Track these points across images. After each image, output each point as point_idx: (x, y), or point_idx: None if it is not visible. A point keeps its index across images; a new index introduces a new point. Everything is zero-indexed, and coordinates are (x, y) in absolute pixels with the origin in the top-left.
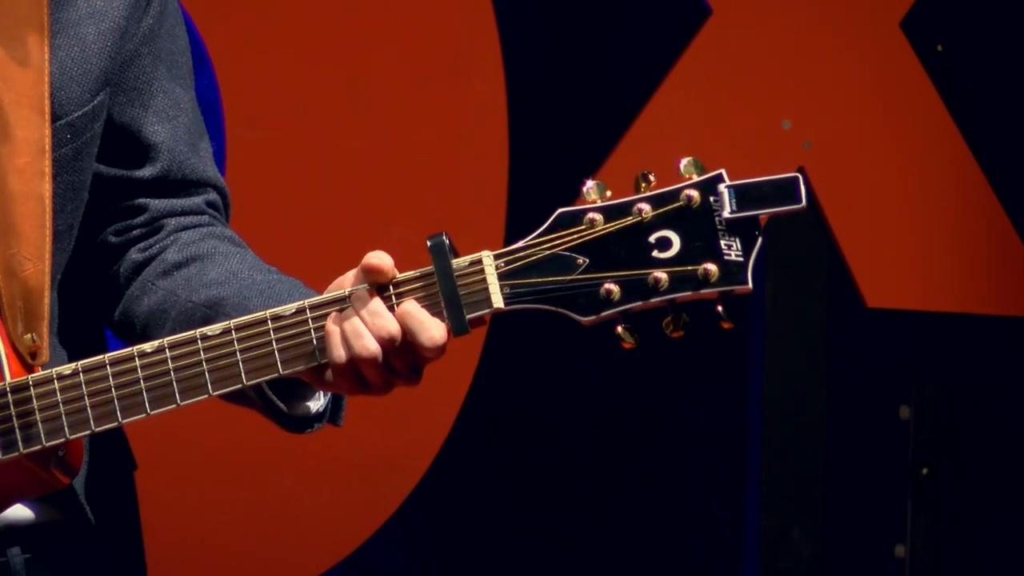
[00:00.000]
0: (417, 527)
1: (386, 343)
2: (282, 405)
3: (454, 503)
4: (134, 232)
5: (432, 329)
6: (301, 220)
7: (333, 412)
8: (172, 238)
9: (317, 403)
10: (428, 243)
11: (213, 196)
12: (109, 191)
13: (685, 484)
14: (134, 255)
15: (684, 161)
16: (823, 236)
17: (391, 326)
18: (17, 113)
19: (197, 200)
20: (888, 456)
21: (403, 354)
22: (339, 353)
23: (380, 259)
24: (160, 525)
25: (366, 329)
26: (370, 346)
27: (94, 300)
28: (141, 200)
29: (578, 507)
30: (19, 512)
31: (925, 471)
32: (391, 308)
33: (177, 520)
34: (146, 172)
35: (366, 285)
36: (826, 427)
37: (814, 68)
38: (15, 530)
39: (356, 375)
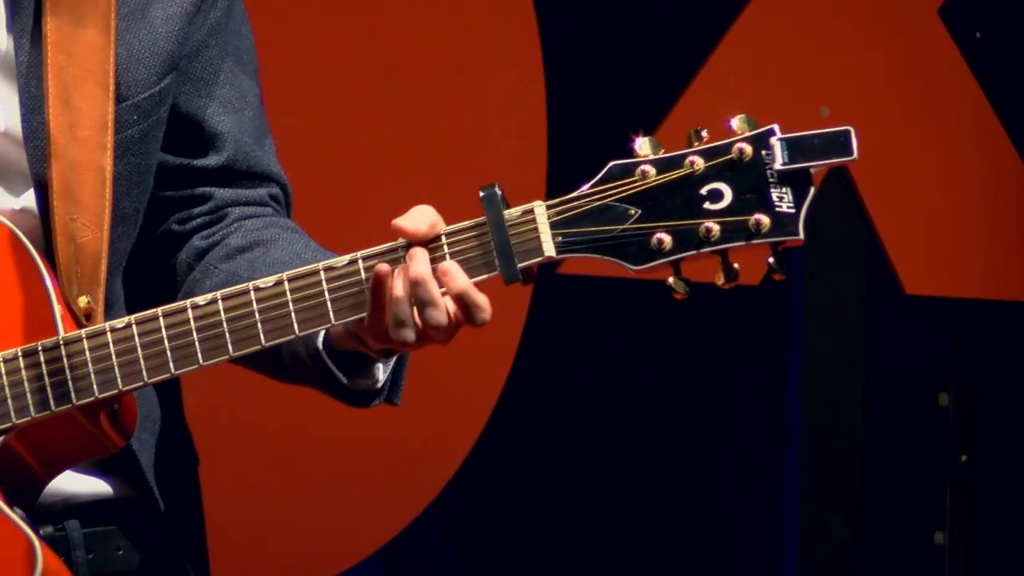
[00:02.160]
0: (456, 514)
1: (432, 329)
2: (342, 376)
3: (493, 490)
4: (198, 220)
5: (485, 311)
6: (340, 208)
7: (391, 390)
8: (236, 225)
9: (379, 377)
10: (481, 193)
11: (276, 191)
12: (174, 180)
13: (724, 472)
14: (197, 242)
15: (736, 119)
16: (862, 223)
17: (441, 317)
18: (81, 88)
19: (262, 192)
20: (927, 443)
21: (448, 331)
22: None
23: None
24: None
25: (408, 315)
26: (408, 336)
27: (157, 287)
28: (206, 189)
29: (616, 493)
30: (78, 485)
31: (964, 458)
32: (440, 257)
33: (218, 508)
34: (211, 161)
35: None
36: (865, 415)
37: (853, 55)
38: (74, 505)
39: (385, 329)
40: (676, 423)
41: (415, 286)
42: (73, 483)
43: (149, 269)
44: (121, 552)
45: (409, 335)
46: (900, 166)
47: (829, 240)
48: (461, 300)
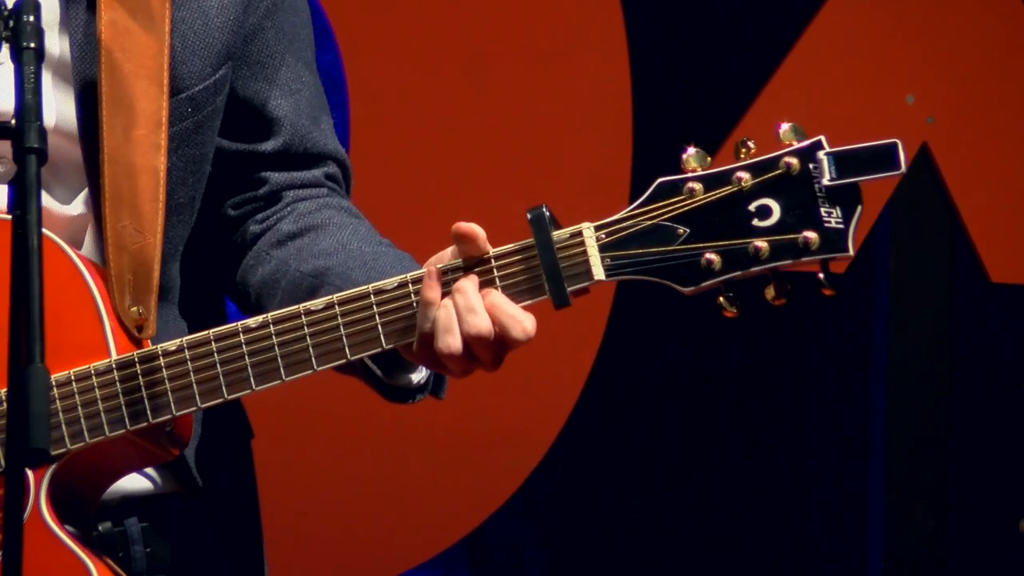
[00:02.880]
0: (541, 502)
1: (474, 340)
2: (383, 376)
3: (577, 478)
4: (253, 204)
5: (525, 321)
6: (422, 193)
7: (436, 385)
8: (289, 209)
9: (419, 375)
10: (528, 215)
11: (333, 169)
12: (231, 165)
13: (808, 459)
14: (252, 227)
15: (784, 127)
16: (947, 211)
17: (483, 325)
18: (136, 85)
19: (317, 173)
20: (1011, 431)
21: (490, 347)
22: (438, 343)
23: (469, 227)
24: (280, 498)
25: (455, 326)
26: (453, 343)
27: (214, 272)
28: (262, 173)
29: (700, 480)
30: (136, 483)
31: None
32: (490, 281)
33: (297, 493)
34: (268, 146)
35: (463, 259)
36: (949, 402)
37: (938, 43)
38: (132, 500)
39: (435, 359)
40: (760, 411)
41: (457, 294)
42: (130, 479)
43: (205, 254)
44: (177, 544)
45: (454, 341)
46: (985, 154)
47: (914, 228)
48: (496, 313)
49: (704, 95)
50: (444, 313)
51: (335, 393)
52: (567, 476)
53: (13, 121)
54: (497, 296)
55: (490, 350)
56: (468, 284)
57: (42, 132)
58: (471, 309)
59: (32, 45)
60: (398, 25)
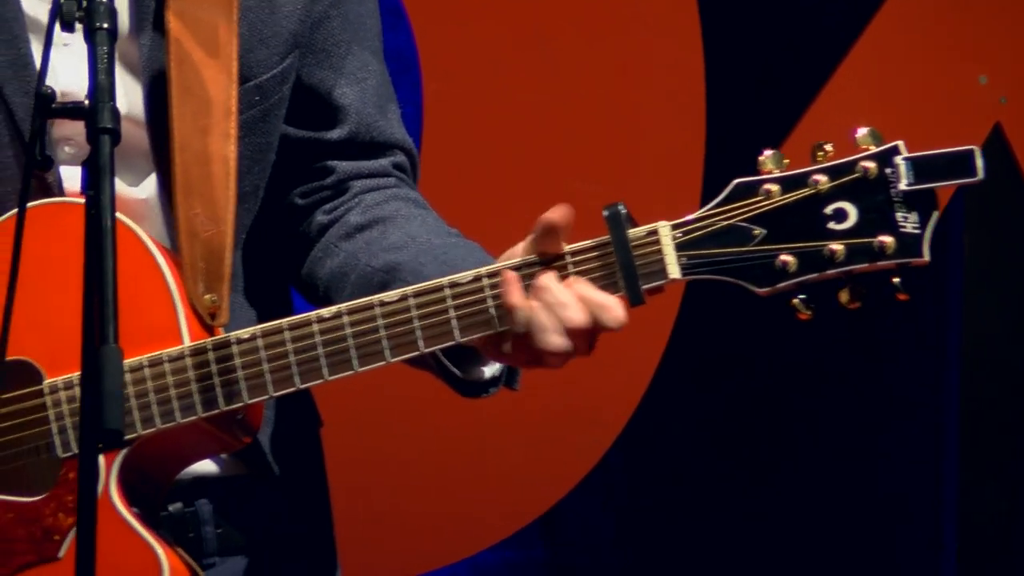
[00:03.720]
0: (616, 482)
1: (574, 333)
2: (456, 370)
3: (652, 458)
4: (321, 194)
5: (615, 309)
6: (493, 177)
7: (509, 376)
8: (357, 200)
9: (492, 368)
10: (604, 213)
11: (400, 158)
12: (297, 153)
13: (883, 441)
14: (319, 217)
15: (861, 131)
16: (1021, 191)
17: (579, 317)
18: (205, 73)
19: (384, 162)
20: None
21: (586, 337)
22: (537, 341)
23: (559, 217)
24: (350, 482)
25: (555, 323)
26: (557, 341)
27: (280, 260)
28: (328, 162)
29: (775, 461)
30: (207, 464)
31: None
32: (565, 276)
33: (374, 475)
34: (334, 134)
35: (538, 253)
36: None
37: (1011, 22)
38: (203, 481)
39: (536, 359)
40: (835, 391)
41: (545, 292)
42: (201, 462)
43: (271, 242)
44: (248, 526)
45: (559, 339)
46: None
47: (988, 209)
48: (587, 303)
49: (776, 81)
50: (539, 315)
51: (409, 376)
52: (641, 456)
53: (87, 101)
54: (582, 286)
55: (586, 339)
56: (551, 279)
57: (115, 112)
58: (563, 304)
59: (105, 25)
60: (472, 7)
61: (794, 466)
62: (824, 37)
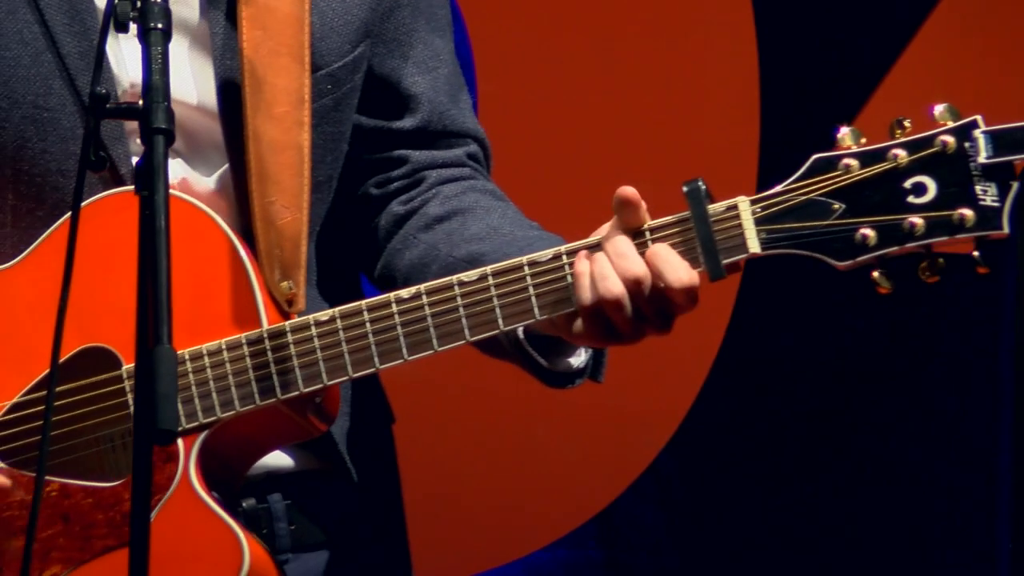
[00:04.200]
0: (670, 482)
1: (632, 285)
2: (542, 360)
3: (706, 458)
4: (395, 184)
5: (679, 270)
6: (552, 172)
7: (594, 368)
8: (434, 191)
9: (578, 359)
10: (684, 188)
11: (474, 148)
12: (369, 143)
13: (937, 442)
14: (396, 207)
15: (939, 108)
16: None
17: (638, 267)
18: (277, 62)
19: (458, 152)
20: None
21: (651, 299)
22: (585, 295)
23: (632, 193)
24: (417, 478)
25: (612, 270)
26: (614, 288)
27: (353, 251)
28: (402, 152)
29: (829, 464)
30: (280, 460)
31: None
32: (642, 252)
33: (433, 476)
34: (406, 123)
35: (618, 231)
36: None
37: None
38: (276, 477)
39: (603, 320)
40: (889, 395)
41: (607, 242)
42: (274, 457)
43: (344, 232)
44: (321, 522)
45: (614, 285)
46: None
47: None
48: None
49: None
50: (598, 265)
51: (467, 380)
52: (695, 456)
53: (141, 101)
54: (660, 246)
55: (651, 302)
56: (618, 235)
57: (169, 112)
58: (621, 254)
59: (159, 26)
60: (526, 6)
61: (848, 467)
62: (891, 16)
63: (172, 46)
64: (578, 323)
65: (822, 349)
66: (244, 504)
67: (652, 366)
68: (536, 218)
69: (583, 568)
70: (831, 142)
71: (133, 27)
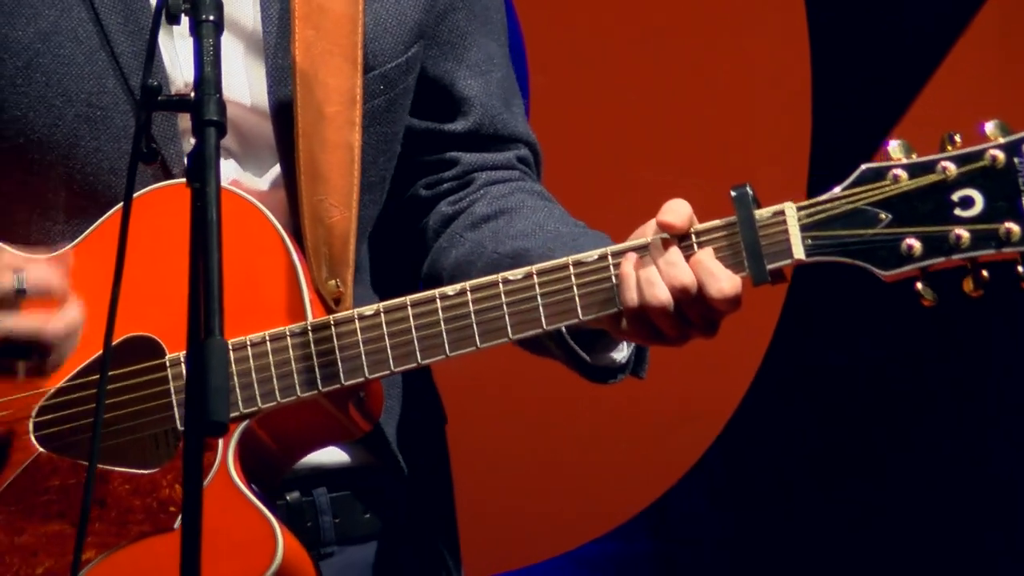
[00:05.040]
0: (718, 478)
1: (678, 292)
2: (585, 355)
3: (755, 452)
4: (445, 185)
5: (723, 280)
6: (599, 170)
7: (636, 364)
8: (482, 192)
9: (621, 354)
10: (732, 193)
11: (524, 152)
12: (421, 144)
13: (987, 453)
14: (444, 208)
15: (990, 124)
16: None
17: (684, 276)
18: (330, 63)
19: (508, 155)
20: None
21: (696, 305)
22: (630, 297)
23: (675, 210)
24: (469, 472)
25: (659, 277)
26: (660, 295)
27: (405, 251)
28: (453, 154)
29: (881, 457)
30: (326, 455)
31: None
32: (689, 257)
33: (484, 471)
34: (458, 126)
35: (665, 233)
36: None
37: None
38: (322, 471)
39: (648, 323)
40: (943, 394)
41: (655, 249)
42: (321, 452)
43: (395, 233)
44: (367, 516)
45: (661, 292)
46: None
47: None
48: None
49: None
50: (645, 270)
51: (519, 374)
52: (746, 450)
53: (192, 94)
54: (704, 253)
55: (696, 308)
56: (667, 243)
57: (221, 104)
58: (670, 263)
59: (211, 18)
60: (578, 7)
61: (900, 460)
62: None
63: (227, 48)
64: (623, 322)
65: (875, 343)
66: (288, 497)
67: (703, 359)
68: (582, 215)
69: (633, 561)
70: (874, 150)
71: (185, 20)
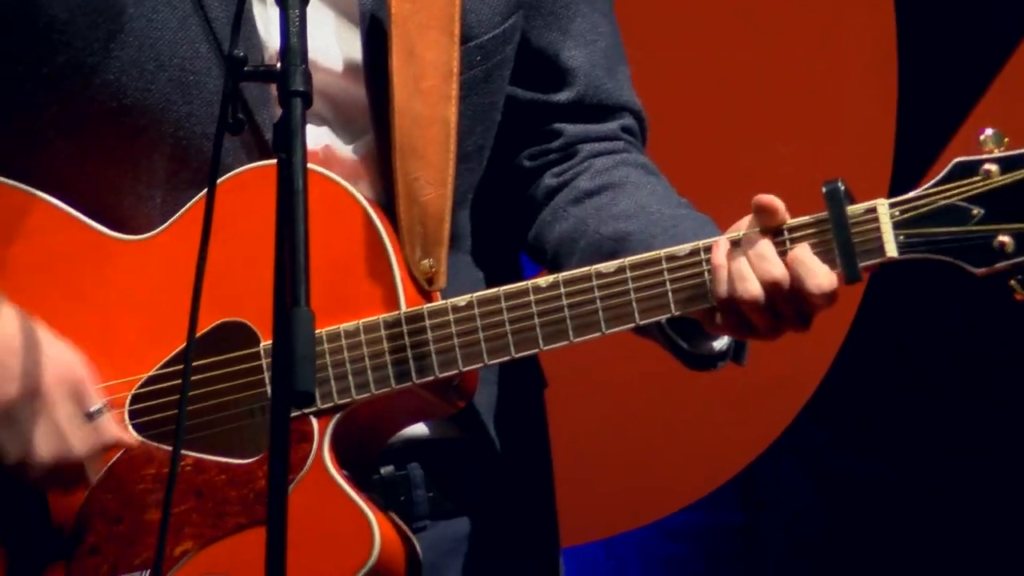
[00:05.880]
0: (810, 444)
1: (770, 287)
2: (684, 344)
3: (846, 418)
4: (549, 157)
5: (820, 276)
6: (691, 152)
7: (736, 351)
8: (586, 164)
9: (720, 342)
10: (824, 189)
11: (629, 121)
12: (525, 115)
13: None
14: (548, 180)
15: None
16: None
17: (777, 270)
18: (426, 36)
19: (612, 125)
20: None
21: (790, 300)
22: (722, 291)
23: (768, 206)
24: (560, 442)
25: (751, 272)
26: (752, 289)
27: (506, 220)
28: (557, 125)
29: (978, 419)
30: (420, 428)
31: None
32: (782, 253)
33: (575, 437)
34: (562, 97)
35: (759, 228)
36: None
37: None
38: (416, 445)
39: (741, 317)
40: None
41: (748, 245)
42: (415, 426)
43: (498, 203)
44: (461, 490)
45: (752, 286)
46: None
47: None
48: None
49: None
50: (736, 264)
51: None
52: (837, 418)
53: (278, 64)
54: (801, 249)
55: (789, 303)
56: (759, 237)
57: (307, 75)
58: (763, 257)
59: None
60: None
61: (992, 425)
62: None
63: (319, 14)
64: (717, 316)
65: (967, 305)
66: (382, 471)
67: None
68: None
69: (720, 531)
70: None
71: None
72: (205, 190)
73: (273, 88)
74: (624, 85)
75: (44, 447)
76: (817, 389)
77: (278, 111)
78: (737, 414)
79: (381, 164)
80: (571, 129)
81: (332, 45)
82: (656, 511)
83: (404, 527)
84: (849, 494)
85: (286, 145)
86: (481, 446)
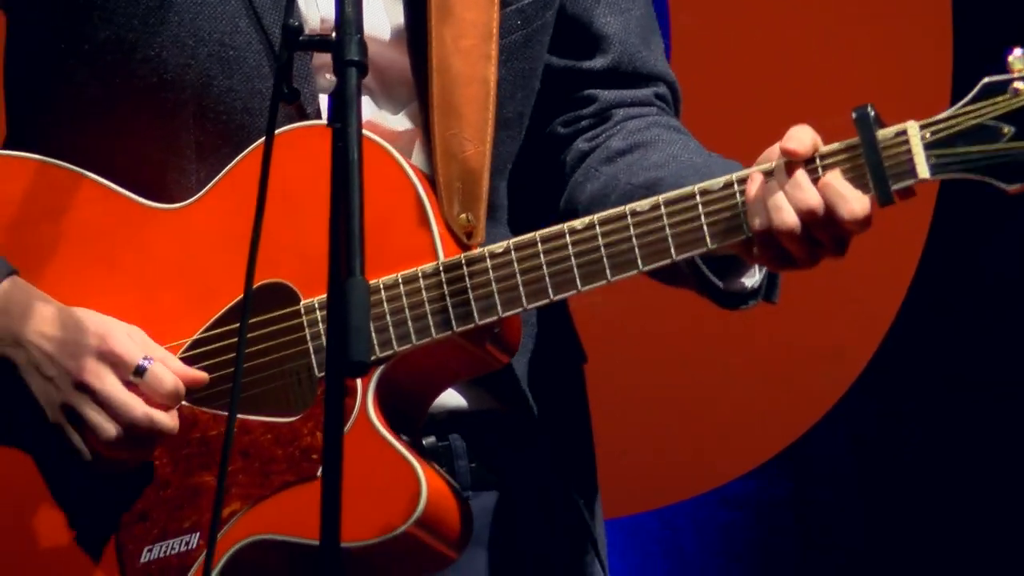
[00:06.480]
0: (860, 417)
1: (806, 215)
2: (717, 281)
3: (897, 392)
4: (583, 123)
5: (852, 201)
6: (743, 106)
7: (768, 289)
8: (618, 127)
9: (752, 279)
10: (854, 115)
11: (663, 90)
12: (559, 82)
13: None
14: (580, 144)
15: None
16: None
17: (811, 199)
18: None
19: (646, 92)
20: None
21: (825, 226)
22: (758, 222)
23: (799, 135)
24: (610, 411)
25: (786, 201)
26: (788, 219)
27: (542, 189)
28: (591, 91)
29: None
30: (462, 399)
31: None
32: (815, 180)
33: (627, 406)
34: (597, 63)
35: (790, 158)
36: None
37: None
38: (458, 416)
39: (778, 247)
40: None
41: (795, 188)
42: (455, 395)
43: (534, 171)
44: (503, 461)
45: (788, 216)
46: None
47: None
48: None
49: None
50: (772, 195)
51: (659, 311)
52: (887, 392)
53: (334, 34)
54: (832, 175)
55: (826, 230)
56: (793, 167)
57: (362, 45)
58: (797, 185)
59: None
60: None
61: None
62: None
63: None
64: (754, 248)
65: (1020, 274)
66: (424, 442)
67: (844, 298)
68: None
69: (772, 502)
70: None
71: None
72: (247, 150)
73: (315, 60)
74: (658, 55)
75: (108, 426)
76: (871, 359)
77: (322, 83)
78: (790, 384)
79: (423, 126)
80: (605, 95)
81: (379, 13)
82: (708, 481)
83: (450, 479)
84: (898, 470)
85: (341, 115)
86: (521, 416)
